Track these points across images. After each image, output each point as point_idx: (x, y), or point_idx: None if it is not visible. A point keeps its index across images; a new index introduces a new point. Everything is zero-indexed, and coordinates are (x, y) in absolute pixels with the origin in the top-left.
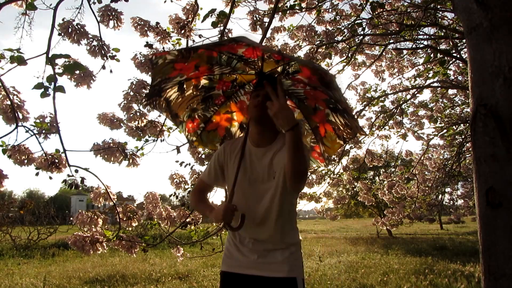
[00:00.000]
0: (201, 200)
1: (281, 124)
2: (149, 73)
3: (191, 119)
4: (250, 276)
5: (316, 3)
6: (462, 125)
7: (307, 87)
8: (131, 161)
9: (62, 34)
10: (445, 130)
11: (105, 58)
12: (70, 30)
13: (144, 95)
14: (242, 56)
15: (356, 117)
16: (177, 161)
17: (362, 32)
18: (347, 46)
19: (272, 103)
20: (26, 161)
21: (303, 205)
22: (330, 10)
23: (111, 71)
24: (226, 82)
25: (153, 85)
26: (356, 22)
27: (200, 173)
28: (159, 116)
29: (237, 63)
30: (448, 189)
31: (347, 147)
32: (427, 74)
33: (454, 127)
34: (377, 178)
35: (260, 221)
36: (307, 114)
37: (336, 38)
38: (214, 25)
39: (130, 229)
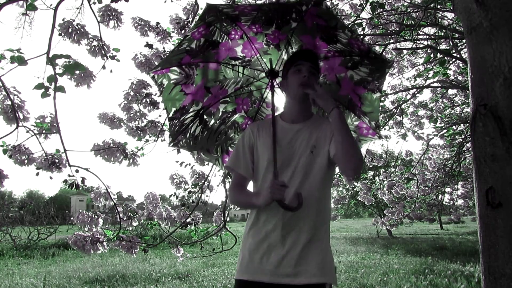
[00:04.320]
0: (241, 191)
1: (323, 106)
2: (157, 94)
3: (225, 152)
4: (276, 285)
5: None
6: (462, 125)
7: (319, 61)
8: (131, 161)
9: (63, 34)
10: (445, 130)
11: (105, 58)
12: (70, 30)
13: (168, 137)
14: (244, 58)
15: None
16: (177, 161)
17: (362, 32)
18: None
19: (312, 90)
20: (26, 161)
21: None
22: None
23: (111, 71)
24: (244, 99)
25: (171, 118)
26: (356, 22)
27: (200, 173)
28: (160, 116)
29: (244, 70)
30: (448, 189)
31: None
32: (427, 74)
33: (454, 127)
34: (377, 178)
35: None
36: (334, 94)
37: None
38: None
39: (130, 229)
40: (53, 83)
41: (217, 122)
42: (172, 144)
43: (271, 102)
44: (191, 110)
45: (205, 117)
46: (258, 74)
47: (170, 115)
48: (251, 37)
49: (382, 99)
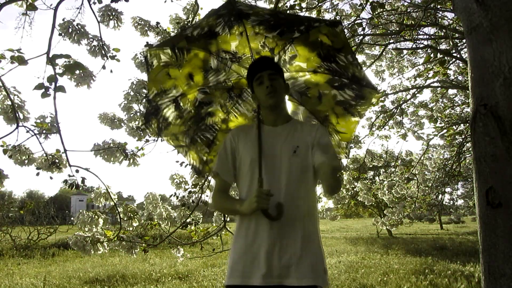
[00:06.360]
0: (226, 198)
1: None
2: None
3: (193, 143)
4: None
5: (316, 3)
6: (462, 125)
7: (307, 73)
8: (131, 161)
9: (63, 34)
10: (445, 130)
11: (105, 58)
12: (70, 30)
13: (143, 114)
14: (235, 54)
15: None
16: (177, 161)
17: (362, 32)
18: None
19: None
20: (26, 161)
21: None
22: (330, 10)
23: (111, 71)
24: (223, 93)
25: (149, 98)
26: (356, 22)
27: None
28: None
29: (231, 65)
30: (448, 189)
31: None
32: (427, 74)
33: (454, 127)
34: (377, 178)
35: (286, 200)
36: (312, 107)
37: None
38: None
39: (130, 229)
40: (53, 83)
41: (192, 111)
42: (143, 122)
43: (248, 101)
44: (170, 94)
45: (180, 103)
46: (244, 72)
47: (151, 97)
48: (250, 36)
49: (382, 99)
